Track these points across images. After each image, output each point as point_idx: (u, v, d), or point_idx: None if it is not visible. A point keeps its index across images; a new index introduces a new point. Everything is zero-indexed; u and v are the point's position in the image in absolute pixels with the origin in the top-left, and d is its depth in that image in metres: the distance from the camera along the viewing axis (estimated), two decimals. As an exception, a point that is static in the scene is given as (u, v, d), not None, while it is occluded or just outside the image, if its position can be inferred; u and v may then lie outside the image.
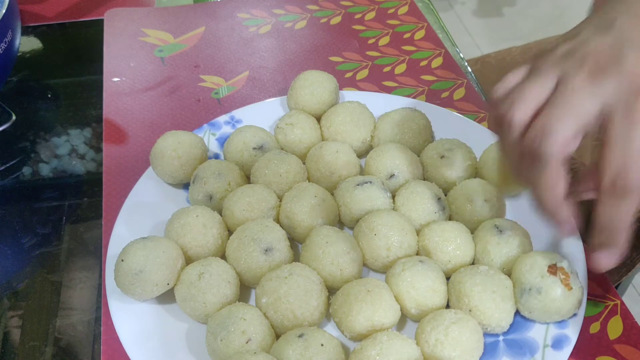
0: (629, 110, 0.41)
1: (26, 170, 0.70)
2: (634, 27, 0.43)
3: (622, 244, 0.45)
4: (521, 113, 0.43)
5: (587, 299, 0.53)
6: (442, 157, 0.61)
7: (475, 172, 0.62)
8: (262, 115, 0.70)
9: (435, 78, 0.78)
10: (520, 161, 0.45)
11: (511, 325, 0.51)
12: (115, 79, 0.78)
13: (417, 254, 0.56)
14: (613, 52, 0.42)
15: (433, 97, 0.75)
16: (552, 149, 0.42)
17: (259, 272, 0.53)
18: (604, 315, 0.53)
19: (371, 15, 0.89)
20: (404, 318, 0.53)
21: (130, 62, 0.81)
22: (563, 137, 0.41)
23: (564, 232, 0.47)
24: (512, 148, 0.45)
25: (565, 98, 0.42)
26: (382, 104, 0.70)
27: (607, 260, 0.47)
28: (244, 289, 0.55)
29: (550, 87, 0.43)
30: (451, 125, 0.67)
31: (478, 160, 0.62)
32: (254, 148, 0.63)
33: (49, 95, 0.81)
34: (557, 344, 0.50)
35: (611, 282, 0.55)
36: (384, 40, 0.84)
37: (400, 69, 0.79)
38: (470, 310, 0.50)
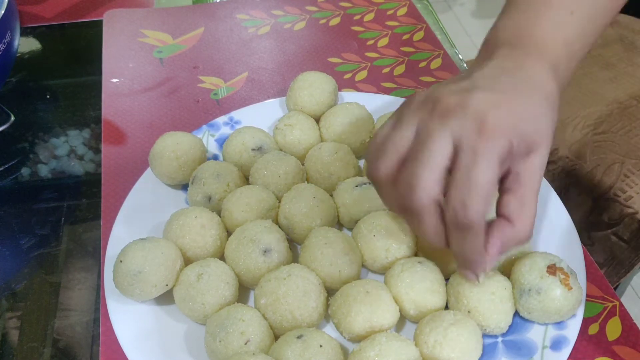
0: (473, 147, 0.42)
1: (25, 171, 0.70)
2: (489, 77, 0.46)
3: (480, 267, 0.47)
4: (383, 170, 0.45)
5: (586, 300, 0.53)
6: (441, 158, 0.61)
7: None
8: (261, 116, 0.70)
9: (434, 79, 0.78)
10: (401, 212, 0.47)
11: (510, 327, 0.51)
12: (114, 80, 0.78)
13: (416, 255, 0.56)
14: (461, 95, 0.44)
15: (432, 98, 0.75)
16: (421, 200, 0.43)
17: (257, 273, 0.53)
18: (602, 317, 0.53)
19: (370, 16, 0.89)
20: (403, 319, 0.53)
21: (129, 62, 0.81)
22: (426, 187, 0.43)
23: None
24: (389, 202, 0.47)
25: (421, 147, 0.43)
26: (381, 105, 0.70)
27: (471, 278, 0.49)
28: (243, 290, 0.55)
29: (410, 136, 0.44)
30: (450, 126, 0.67)
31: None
32: (253, 149, 0.63)
33: (48, 96, 0.81)
34: (556, 345, 0.50)
35: (610, 283, 0.55)
36: (383, 42, 0.84)
37: (399, 70, 0.79)
38: (469, 312, 0.50)
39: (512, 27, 0.51)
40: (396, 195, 0.45)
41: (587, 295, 0.54)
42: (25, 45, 0.87)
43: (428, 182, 0.42)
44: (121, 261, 0.51)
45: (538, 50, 0.49)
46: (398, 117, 0.46)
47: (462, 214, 0.42)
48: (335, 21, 0.88)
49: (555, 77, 0.48)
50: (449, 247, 0.46)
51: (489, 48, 0.51)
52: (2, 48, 0.68)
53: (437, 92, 0.45)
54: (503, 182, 0.46)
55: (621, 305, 0.53)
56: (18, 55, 0.78)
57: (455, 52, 0.83)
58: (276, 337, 0.50)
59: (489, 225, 0.46)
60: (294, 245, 0.59)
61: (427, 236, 0.46)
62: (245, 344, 0.48)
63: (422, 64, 0.80)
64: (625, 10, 0.77)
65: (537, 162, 0.45)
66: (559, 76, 0.49)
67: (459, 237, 0.44)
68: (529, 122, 0.44)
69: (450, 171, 0.43)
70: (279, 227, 0.57)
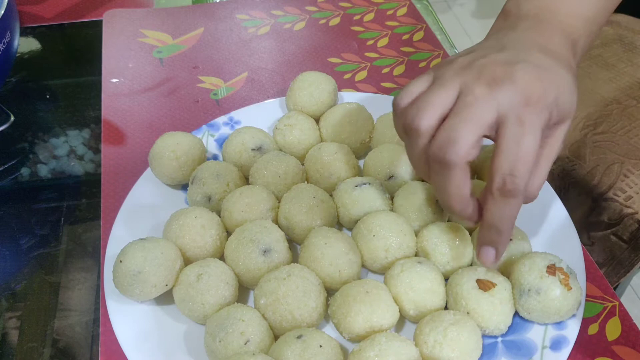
0: (521, 117, 0.44)
1: (24, 171, 0.70)
2: (523, 49, 0.48)
3: (504, 243, 0.48)
4: (426, 121, 0.45)
5: (586, 300, 0.53)
6: (441, 158, 0.61)
7: (474, 173, 0.62)
8: (260, 116, 0.70)
9: (434, 79, 0.78)
10: (427, 167, 0.47)
11: (510, 327, 0.51)
12: (114, 80, 0.78)
13: (416, 255, 0.56)
14: (507, 66, 0.45)
15: (432, 98, 0.75)
16: (456, 157, 0.44)
17: (257, 273, 0.53)
18: (602, 317, 0.53)
19: (370, 16, 0.89)
20: (403, 319, 0.53)
21: (129, 63, 0.81)
22: (466, 144, 0.44)
23: (470, 223, 0.50)
24: (419, 154, 0.47)
25: (466, 107, 0.44)
26: (380, 105, 0.70)
27: (490, 256, 0.49)
28: (243, 290, 0.55)
29: (453, 96, 0.45)
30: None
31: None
32: (253, 149, 0.63)
33: (48, 96, 0.81)
34: (556, 345, 0.50)
35: (609, 283, 0.55)
36: (383, 42, 0.84)
37: (399, 70, 0.79)
38: (468, 313, 0.50)
39: (535, 0, 0.53)
40: (430, 149, 0.45)
41: (587, 295, 0.54)
42: (25, 45, 0.87)
43: (468, 142, 0.44)
44: (121, 261, 0.51)
45: (562, 27, 0.51)
46: (437, 76, 0.47)
47: (510, 181, 0.43)
48: (335, 21, 0.88)
49: (574, 53, 0.51)
50: (475, 220, 0.48)
51: (511, 18, 0.52)
52: (1, 48, 0.68)
53: (481, 60, 0.46)
54: None
55: (621, 305, 0.53)
56: (18, 55, 0.79)
57: (455, 52, 0.83)
58: (276, 337, 0.50)
59: None
60: (294, 245, 0.59)
61: (451, 192, 0.46)
62: (245, 344, 0.48)
63: (422, 64, 0.80)
64: (625, 10, 0.77)
65: (562, 132, 0.47)
66: (577, 53, 0.51)
67: (499, 205, 0.45)
68: (564, 95, 0.46)
69: (494, 140, 0.45)
70: (279, 227, 0.57)
